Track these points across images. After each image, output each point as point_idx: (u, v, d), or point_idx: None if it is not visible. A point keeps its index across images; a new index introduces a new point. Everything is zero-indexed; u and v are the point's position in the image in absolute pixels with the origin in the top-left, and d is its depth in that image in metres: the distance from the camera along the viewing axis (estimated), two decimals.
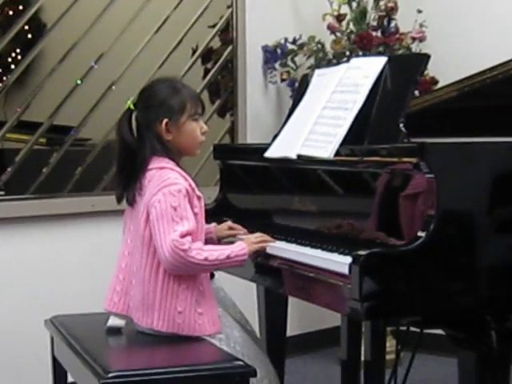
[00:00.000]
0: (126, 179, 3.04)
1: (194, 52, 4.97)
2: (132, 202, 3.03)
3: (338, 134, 2.98)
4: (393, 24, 5.21)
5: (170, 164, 2.99)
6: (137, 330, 3.03)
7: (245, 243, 3.00)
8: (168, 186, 2.92)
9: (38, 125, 4.39)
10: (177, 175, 2.96)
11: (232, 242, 3.13)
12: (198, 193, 3.01)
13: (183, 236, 2.85)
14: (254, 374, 2.73)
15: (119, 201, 3.09)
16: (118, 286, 3.08)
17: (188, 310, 2.94)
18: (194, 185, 2.99)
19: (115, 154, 3.08)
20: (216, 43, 5.09)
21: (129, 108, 3.05)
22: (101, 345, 3.00)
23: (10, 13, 4.31)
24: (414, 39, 5.15)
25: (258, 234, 3.09)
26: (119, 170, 3.09)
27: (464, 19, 5.26)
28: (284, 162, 3.24)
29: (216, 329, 2.98)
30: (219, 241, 3.27)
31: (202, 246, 2.94)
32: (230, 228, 3.30)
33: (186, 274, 2.93)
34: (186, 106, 3.05)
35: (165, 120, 3.01)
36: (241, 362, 2.75)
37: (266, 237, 3.08)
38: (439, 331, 2.61)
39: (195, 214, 2.95)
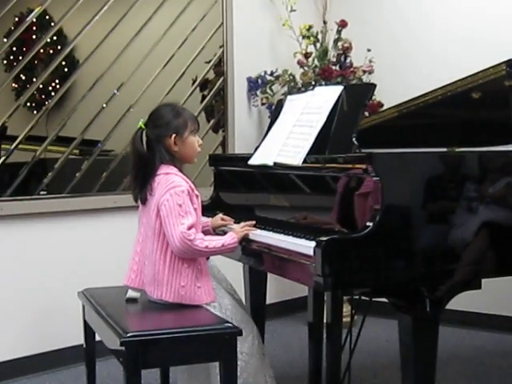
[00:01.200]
0: (140, 183, 3.02)
1: (193, 82, 4.96)
2: (144, 201, 3.01)
3: (305, 146, 2.97)
4: (348, 60, 5.21)
5: (174, 170, 2.97)
6: (149, 300, 3.01)
7: (234, 233, 2.99)
8: (173, 187, 2.90)
9: (72, 139, 4.38)
10: (180, 179, 2.94)
11: (224, 232, 3.13)
12: (197, 192, 2.99)
13: (189, 228, 2.85)
14: (241, 334, 2.71)
15: (136, 200, 3.07)
16: (135, 266, 3.06)
17: (189, 285, 2.92)
18: (193, 186, 2.98)
19: (131, 163, 3.06)
20: (211, 75, 5.07)
21: (140, 127, 3.03)
22: (121, 311, 2.98)
23: (51, 51, 4.28)
24: (364, 72, 5.15)
25: (242, 224, 3.08)
26: (134, 176, 3.06)
27: (403, 57, 5.27)
28: (263, 167, 3.23)
29: (211, 298, 2.97)
30: (214, 230, 3.24)
31: (204, 236, 2.92)
32: (222, 219, 3.28)
33: (190, 258, 2.93)
34: (188, 124, 3.04)
35: (173, 135, 3.00)
36: (230, 324, 2.73)
37: (249, 224, 3.07)
38: (384, 299, 2.60)
39: (195, 209, 2.94)
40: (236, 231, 3.02)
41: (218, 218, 3.28)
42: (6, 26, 4.11)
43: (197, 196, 2.99)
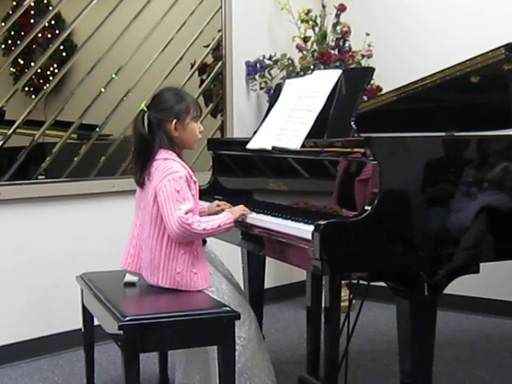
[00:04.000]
0: (140, 166, 3.01)
1: (192, 66, 4.93)
2: (142, 185, 3.00)
3: (303, 130, 2.96)
4: (347, 44, 5.19)
5: (173, 156, 2.96)
6: (147, 284, 3.01)
7: (230, 213, 2.99)
8: (171, 173, 2.89)
9: (70, 123, 4.36)
10: (178, 165, 2.93)
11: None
12: (195, 178, 2.99)
13: (187, 213, 2.84)
14: (238, 318, 2.72)
15: (138, 183, 3.06)
16: (132, 250, 3.06)
17: (185, 271, 2.92)
18: (191, 172, 2.97)
19: (132, 146, 3.04)
20: (209, 59, 5.05)
21: (142, 109, 3.01)
22: (119, 296, 2.98)
23: (49, 36, 4.26)
24: (363, 56, 5.13)
25: (240, 206, 3.07)
26: (136, 159, 3.05)
27: (402, 41, 5.25)
28: (262, 151, 3.22)
29: (208, 284, 2.96)
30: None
31: (200, 218, 2.91)
32: (218, 205, 3.26)
33: (187, 241, 2.91)
34: (190, 110, 3.03)
35: (174, 120, 2.98)
36: (228, 308, 2.74)
37: (246, 209, 3.05)
38: (382, 283, 2.59)
39: (192, 195, 2.93)
40: (232, 211, 3.02)
41: (215, 205, 3.27)
42: (4, 10, 4.09)
43: (195, 182, 2.99)
